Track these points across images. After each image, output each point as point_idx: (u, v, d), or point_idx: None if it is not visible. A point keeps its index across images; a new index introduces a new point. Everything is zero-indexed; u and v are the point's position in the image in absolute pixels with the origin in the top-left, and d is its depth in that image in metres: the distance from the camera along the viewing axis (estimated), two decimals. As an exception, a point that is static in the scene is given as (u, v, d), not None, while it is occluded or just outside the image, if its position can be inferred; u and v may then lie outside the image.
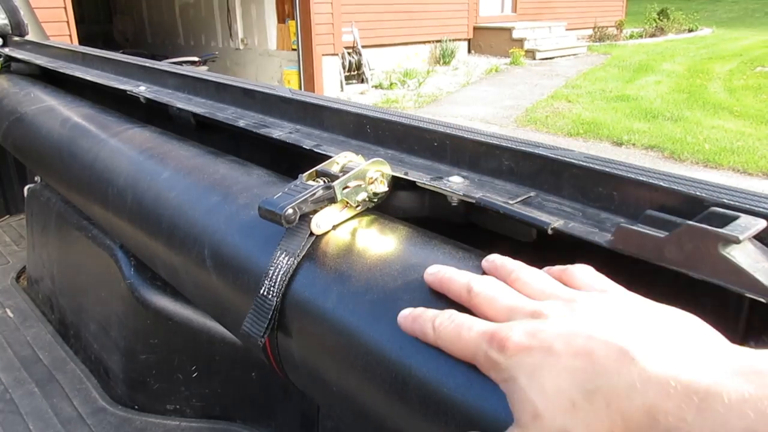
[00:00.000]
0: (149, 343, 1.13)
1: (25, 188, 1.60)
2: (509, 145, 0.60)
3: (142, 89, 1.15)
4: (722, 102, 6.97)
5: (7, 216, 2.15)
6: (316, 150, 0.72)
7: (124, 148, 0.95)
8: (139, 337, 1.14)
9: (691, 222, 0.41)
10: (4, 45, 1.93)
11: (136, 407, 1.18)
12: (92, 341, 1.28)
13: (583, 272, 0.41)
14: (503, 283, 0.41)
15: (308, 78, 7.83)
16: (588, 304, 0.36)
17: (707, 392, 0.28)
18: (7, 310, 1.54)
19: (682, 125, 6.03)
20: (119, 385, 1.20)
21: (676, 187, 0.47)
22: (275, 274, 0.55)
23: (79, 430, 1.13)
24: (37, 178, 1.58)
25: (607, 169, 0.52)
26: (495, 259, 0.45)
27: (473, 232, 0.62)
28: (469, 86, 8.22)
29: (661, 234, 0.42)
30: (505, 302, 0.39)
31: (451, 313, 0.40)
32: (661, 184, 0.47)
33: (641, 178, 0.49)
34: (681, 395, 0.28)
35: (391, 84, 8.20)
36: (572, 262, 0.43)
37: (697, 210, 0.44)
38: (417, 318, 0.42)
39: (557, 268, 0.42)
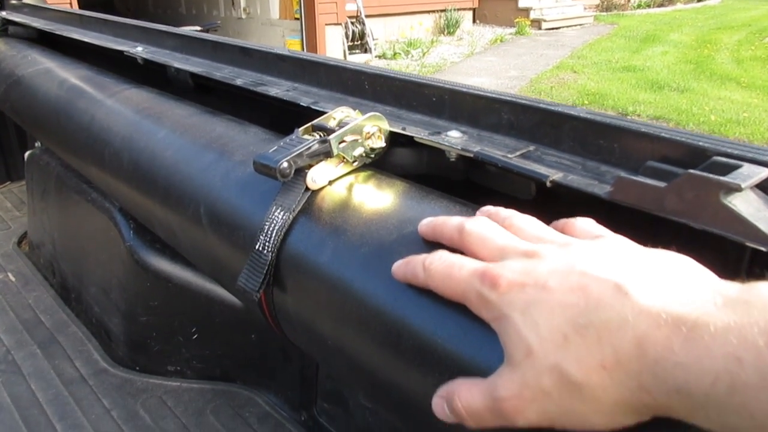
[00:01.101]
0: (149, 305, 1.13)
1: (26, 154, 1.60)
2: (509, 99, 0.59)
3: (140, 50, 1.13)
4: (729, 73, 6.88)
5: (8, 182, 2.15)
6: (313, 107, 0.71)
7: (120, 108, 0.94)
8: (140, 300, 1.14)
9: (692, 171, 0.40)
10: (2, 8, 1.91)
11: (137, 368, 1.18)
12: (93, 304, 1.28)
13: (583, 222, 0.40)
14: (497, 224, 0.40)
15: (311, 48, 7.74)
16: (583, 247, 0.36)
17: (695, 323, 0.28)
18: (9, 275, 1.54)
19: (689, 96, 5.96)
20: (120, 346, 1.20)
21: (678, 138, 0.46)
22: (270, 229, 0.54)
23: (80, 391, 1.14)
24: (37, 144, 1.57)
25: (607, 121, 0.51)
26: (489, 209, 0.44)
27: (472, 190, 0.61)
28: (473, 56, 8.11)
29: (661, 184, 0.41)
30: (499, 242, 0.38)
31: (442, 253, 0.39)
32: (663, 135, 0.46)
33: (642, 130, 0.48)
34: (670, 326, 0.28)
35: (395, 54, 8.10)
36: None
37: (699, 160, 0.43)
38: (408, 262, 0.41)
39: (561, 221, 0.42)
